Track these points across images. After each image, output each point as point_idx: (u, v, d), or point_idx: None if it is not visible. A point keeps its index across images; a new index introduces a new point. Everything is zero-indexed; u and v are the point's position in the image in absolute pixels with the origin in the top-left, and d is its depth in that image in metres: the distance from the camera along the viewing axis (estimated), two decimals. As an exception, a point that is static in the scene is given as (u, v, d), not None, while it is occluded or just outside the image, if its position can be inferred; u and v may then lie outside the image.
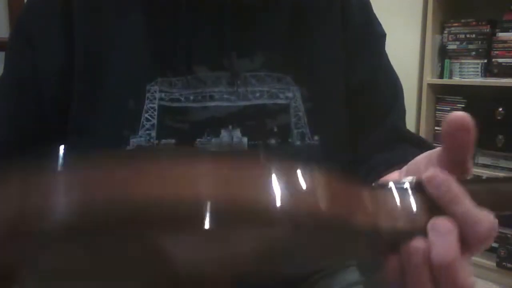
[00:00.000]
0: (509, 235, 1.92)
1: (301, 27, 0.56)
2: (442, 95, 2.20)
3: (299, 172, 0.24)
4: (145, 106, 0.50)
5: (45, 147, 0.52)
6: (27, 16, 0.54)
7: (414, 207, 0.29)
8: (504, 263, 1.92)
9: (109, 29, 0.52)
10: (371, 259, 0.33)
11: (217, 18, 0.53)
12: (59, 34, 0.52)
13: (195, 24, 0.53)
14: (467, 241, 0.28)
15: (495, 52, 2.03)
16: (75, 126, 0.52)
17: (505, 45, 2.00)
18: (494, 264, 1.93)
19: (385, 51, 0.63)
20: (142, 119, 0.50)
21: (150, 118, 0.50)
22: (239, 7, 0.54)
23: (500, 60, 2.01)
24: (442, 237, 0.28)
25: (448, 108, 2.16)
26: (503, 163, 1.98)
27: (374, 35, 0.62)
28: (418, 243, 0.28)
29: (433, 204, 0.29)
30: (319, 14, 0.57)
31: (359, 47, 0.59)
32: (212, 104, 0.52)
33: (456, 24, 2.14)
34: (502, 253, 1.92)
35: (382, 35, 0.62)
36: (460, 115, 0.29)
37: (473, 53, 2.09)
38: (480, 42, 2.07)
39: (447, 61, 2.17)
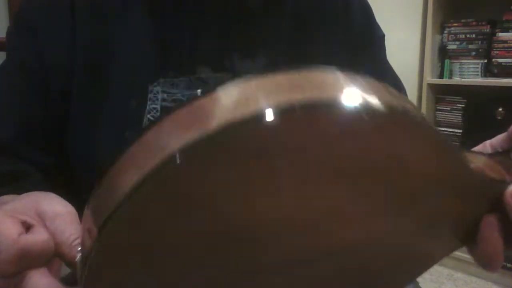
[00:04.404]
0: (509, 235, 1.92)
1: (304, 28, 0.56)
2: (442, 95, 2.20)
3: None
4: (147, 107, 0.50)
5: (52, 143, 0.52)
6: (29, 6, 0.53)
7: None
8: (504, 263, 1.92)
9: (111, 28, 0.51)
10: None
11: (221, 19, 0.53)
12: (63, 29, 0.51)
13: (199, 25, 0.52)
14: None
15: (495, 52, 2.03)
16: (75, 126, 0.51)
17: (505, 45, 2.00)
18: (494, 264, 1.93)
19: (385, 53, 0.63)
20: (144, 120, 0.50)
21: (153, 119, 0.50)
22: (244, 7, 0.54)
23: (500, 60, 2.01)
24: None
25: (448, 108, 2.16)
26: (503, 163, 1.98)
27: (375, 37, 0.62)
28: None
29: None
30: (321, 16, 0.58)
31: (361, 48, 0.59)
32: None
33: (456, 24, 2.14)
34: (502, 253, 1.92)
35: (382, 37, 0.63)
36: None
37: (473, 53, 2.09)
38: (480, 42, 2.07)
39: (447, 61, 2.17)
